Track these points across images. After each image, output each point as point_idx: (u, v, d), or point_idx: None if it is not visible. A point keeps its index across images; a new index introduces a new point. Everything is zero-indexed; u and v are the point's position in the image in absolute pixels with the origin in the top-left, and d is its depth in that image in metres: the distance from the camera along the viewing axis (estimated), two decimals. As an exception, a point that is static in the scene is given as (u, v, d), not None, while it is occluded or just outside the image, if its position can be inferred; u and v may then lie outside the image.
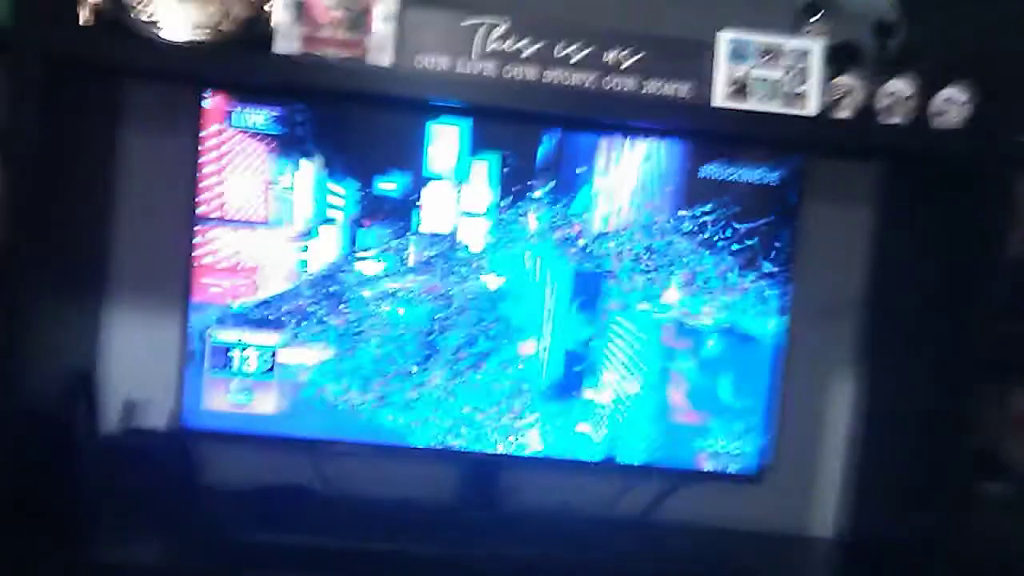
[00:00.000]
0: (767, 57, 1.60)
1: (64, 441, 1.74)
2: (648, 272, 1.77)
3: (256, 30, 1.58)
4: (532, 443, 1.80)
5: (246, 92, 1.70)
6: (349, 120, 1.72)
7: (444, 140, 1.72)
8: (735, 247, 1.77)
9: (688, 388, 1.80)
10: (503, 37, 1.59)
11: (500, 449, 1.80)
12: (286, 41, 1.56)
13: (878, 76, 1.65)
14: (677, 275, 1.77)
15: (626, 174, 1.74)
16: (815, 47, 1.61)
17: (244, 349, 1.74)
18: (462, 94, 1.60)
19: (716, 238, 1.77)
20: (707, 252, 1.77)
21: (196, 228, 1.72)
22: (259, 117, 1.70)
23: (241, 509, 1.80)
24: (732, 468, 1.82)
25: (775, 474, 1.87)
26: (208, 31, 1.57)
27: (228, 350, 1.74)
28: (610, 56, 1.60)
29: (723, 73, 1.60)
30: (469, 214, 1.74)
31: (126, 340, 1.92)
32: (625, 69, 1.60)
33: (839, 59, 1.68)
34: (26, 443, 1.60)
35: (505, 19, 1.59)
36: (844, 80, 1.63)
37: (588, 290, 1.77)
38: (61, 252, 1.70)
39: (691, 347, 1.79)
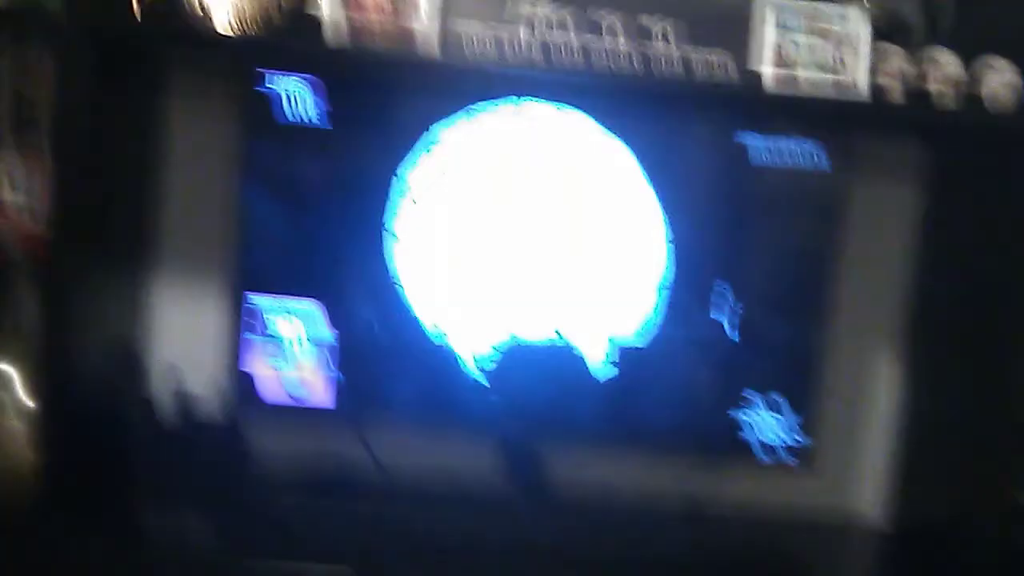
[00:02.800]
0: (812, 24, 1.57)
1: (114, 415, 1.78)
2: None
3: (304, 19, 1.60)
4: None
5: (293, 73, 1.71)
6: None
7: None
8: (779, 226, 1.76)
9: (734, 372, 1.78)
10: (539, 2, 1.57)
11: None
12: (333, 24, 1.57)
13: (927, 54, 1.63)
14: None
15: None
16: (861, 17, 1.58)
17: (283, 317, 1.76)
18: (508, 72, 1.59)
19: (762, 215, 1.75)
20: (753, 231, 1.76)
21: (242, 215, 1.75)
22: (306, 103, 1.72)
23: (291, 485, 1.83)
24: (778, 454, 1.80)
25: (821, 460, 1.84)
26: (257, 22, 1.59)
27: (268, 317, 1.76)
28: (648, 23, 1.57)
29: (768, 40, 1.57)
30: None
31: (175, 314, 1.94)
32: (665, 36, 1.58)
33: (886, 34, 1.65)
34: (76, 417, 1.63)
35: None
36: (894, 55, 1.60)
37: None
38: (110, 230, 1.74)
39: (738, 330, 1.77)
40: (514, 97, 1.72)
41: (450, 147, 1.73)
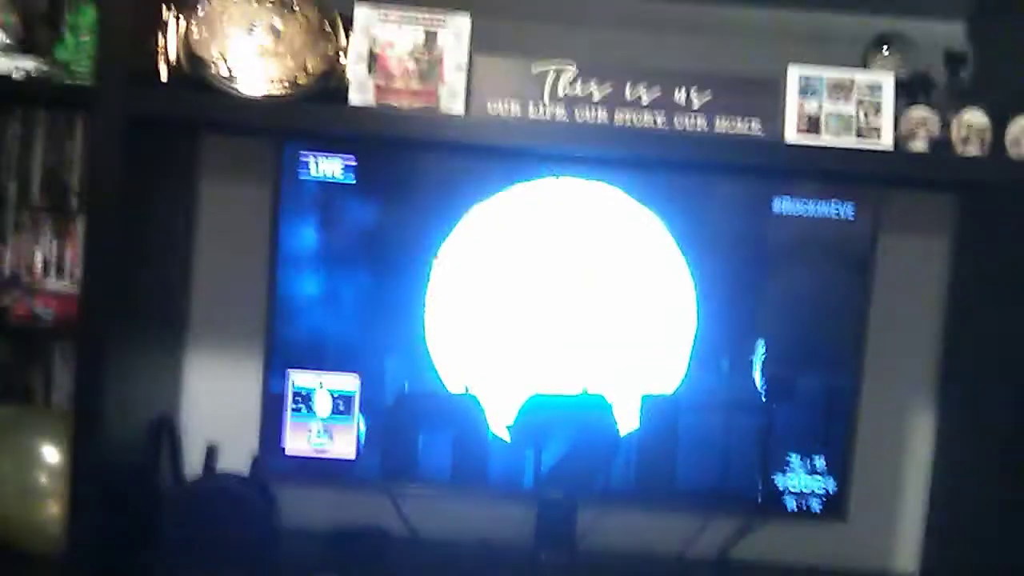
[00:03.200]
0: (838, 92, 1.60)
1: (148, 486, 1.78)
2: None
3: (331, 83, 1.61)
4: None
5: (323, 143, 1.73)
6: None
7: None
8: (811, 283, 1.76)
9: (768, 424, 1.78)
10: (573, 82, 1.60)
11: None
12: (360, 93, 1.59)
13: (951, 107, 1.64)
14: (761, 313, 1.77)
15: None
16: (887, 80, 1.61)
17: (321, 393, 1.76)
18: (536, 139, 1.61)
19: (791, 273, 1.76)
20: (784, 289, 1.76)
21: (275, 276, 1.75)
22: (335, 167, 1.73)
23: (321, 552, 1.83)
24: (812, 508, 1.79)
25: (855, 513, 1.83)
26: (285, 85, 1.61)
27: (307, 394, 1.76)
28: (680, 96, 1.61)
29: (794, 109, 1.60)
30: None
31: (208, 385, 1.96)
32: (695, 108, 1.61)
33: (910, 91, 1.68)
34: (113, 488, 1.64)
35: (572, 63, 1.60)
36: (918, 112, 1.62)
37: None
38: (144, 302, 1.75)
39: (770, 384, 1.77)
40: (550, 172, 1.73)
41: (484, 219, 1.74)
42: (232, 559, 1.76)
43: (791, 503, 1.79)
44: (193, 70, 1.61)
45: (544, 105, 1.60)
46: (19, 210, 1.76)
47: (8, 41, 1.68)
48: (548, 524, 1.83)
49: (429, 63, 1.58)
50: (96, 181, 1.57)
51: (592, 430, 1.78)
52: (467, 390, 1.77)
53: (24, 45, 1.70)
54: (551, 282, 1.76)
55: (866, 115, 1.60)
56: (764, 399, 1.77)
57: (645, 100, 1.61)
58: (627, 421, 1.78)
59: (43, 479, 1.68)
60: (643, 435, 1.78)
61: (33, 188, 1.77)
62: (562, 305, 1.76)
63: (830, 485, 1.79)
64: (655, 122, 1.61)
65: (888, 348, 1.91)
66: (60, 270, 1.76)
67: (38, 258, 1.76)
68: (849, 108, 1.60)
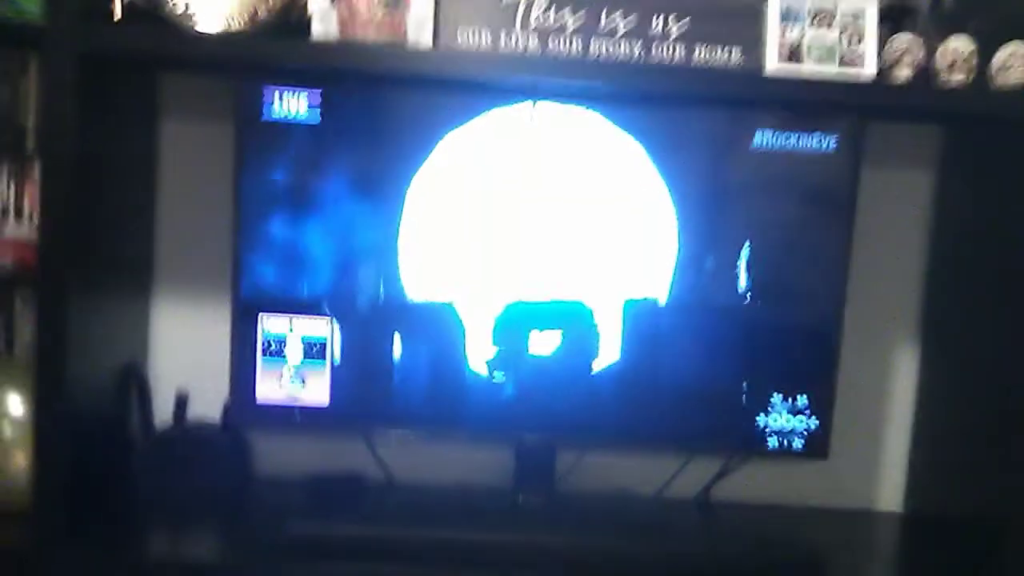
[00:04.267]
0: (820, 18, 1.54)
1: (117, 436, 1.75)
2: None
3: (293, 16, 1.55)
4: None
5: (285, 80, 1.66)
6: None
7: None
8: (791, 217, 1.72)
9: (749, 362, 1.75)
10: (545, 11, 1.54)
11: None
12: (323, 25, 1.53)
13: (936, 34, 1.59)
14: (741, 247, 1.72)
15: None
16: (869, 6, 1.56)
17: (292, 337, 1.72)
18: (507, 71, 1.55)
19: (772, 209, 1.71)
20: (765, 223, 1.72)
21: (240, 218, 1.70)
22: (300, 104, 1.67)
23: (296, 500, 1.80)
24: (795, 444, 1.77)
25: (838, 449, 1.80)
26: (244, 19, 1.54)
27: (278, 339, 1.72)
28: (657, 24, 1.55)
29: (775, 37, 1.55)
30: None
31: (176, 332, 1.91)
32: (673, 38, 1.55)
33: (893, 17, 1.62)
34: (80, 439, 1.60)
35: (546, -9, 1.55)
36: (901, 39, 1.57)
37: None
38: (106, 247, 1.69)
39: (752, 319, 1.74)
40: (526, 97, 1.67)
41: (458, 147, 1.68)
42: (205, 509, 1.73)
43: (773, 442, 1.76)
44: (148, 5, 1.54)
45: (516, 35, 1.54)
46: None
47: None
48: (527, 465, 1.80)
49: (395, -9, 1.52)
50: (50, 122, 1.51)
51: (574, 334, 1.74)
52: (443, 313, 1.72)
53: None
54: (528, 207, 1.70)
55: (849, 43, 1.55)
56: (744, 334, 1.74)
57: (621, 29, 1.55)
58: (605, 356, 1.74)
59: (8, 430, 1.64)
60: (623, 369, 1.74)
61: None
62: (539, 228, 1.71)
63: (812, 424, 1.76)
64: (631, 52, 1.55)
65: (870, 285, 1.89)
66: (19, 215, 1.70)
67: (-3, 210, 1.70)
68: (832, 35, 1.54)
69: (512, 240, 1.71)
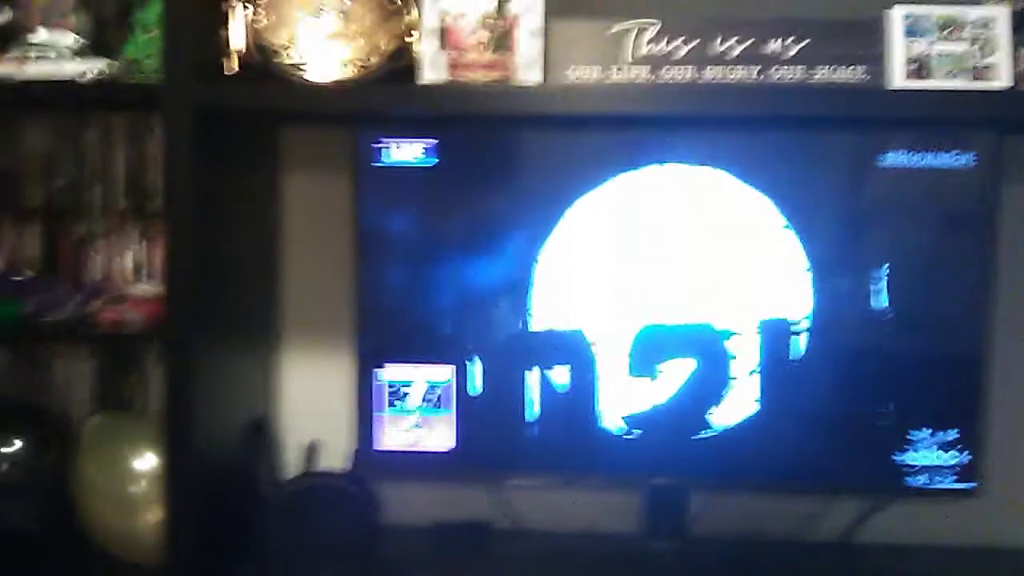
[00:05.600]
0: (948, 30, 1.47)
1: (246, 489, 1.75)
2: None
3: (403, 62, 1.55)
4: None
5: (399, 125, 1.66)
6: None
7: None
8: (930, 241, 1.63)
9: (892, 395, 1.66)
10: (655, 39, 1.51)
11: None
12: (433, 69, 1.52)
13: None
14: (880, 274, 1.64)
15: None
16: (1001, 14, 1.47)
17: (415, 385, 1.70)
18: (617, 104, 1.52)
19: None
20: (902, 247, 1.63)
21: (360, 267, 1.70)
22: (415, 150, 1.66)
23: (425, 548, 1.78)
24: (944, 480, 1.66)
25: (991, 484, 1.70)
26: (356, 67, 1.55)
27: (400, 387, 1.70)
28: (772, 46, 1.50)
29: (900, 52, 1.47)
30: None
31: (301, 383, 1.93)
32: (790, 58, 1.50)
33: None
34: (209, 493, 1.61)
35: (654, 19, 1.51)
36: (1036, 49, 1.48)
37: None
38: (231, 301, 1.71)
39: (894, 349, 1.65)
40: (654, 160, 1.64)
41: (585, 214, 1.66)
42: (335, 560, 1.72)
43: (920, 480, 1.66)
44: (262, 59, 1.56)
45: (627, 67, 1.51)
46: (105, 215, 1.75)
47: (80, 42, 1.66)
48: (657, 510, 1.74)
49: (502, 31, 1.50)
50: (171, 180, 1.54)
51: (708, 361, 1.67)
52: (572, 353, 1.68)
53: (96, 46, 1.68)
54: (658, 267, 1.66)
55: (981, 53, 1.47)
56: (887, 367, 1.65)
57: (735, 53, 1.50)
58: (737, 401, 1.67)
59: (140, 487, 1.66)
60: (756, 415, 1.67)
61: (116, 191, 1.76)
62: (671, 268, 1.66)
63: (963, 459, 1.65)
64: (747, 76, 1.50)
65: (1018, 309, 1.77)
66: (150, 273, 1.74)
67: (126, 262, 1.74)
68: (961, 47, 1.46)
69: (642, 278, 1.67)
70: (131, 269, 1.76)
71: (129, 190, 1.76)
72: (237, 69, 1.55)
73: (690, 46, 1.51)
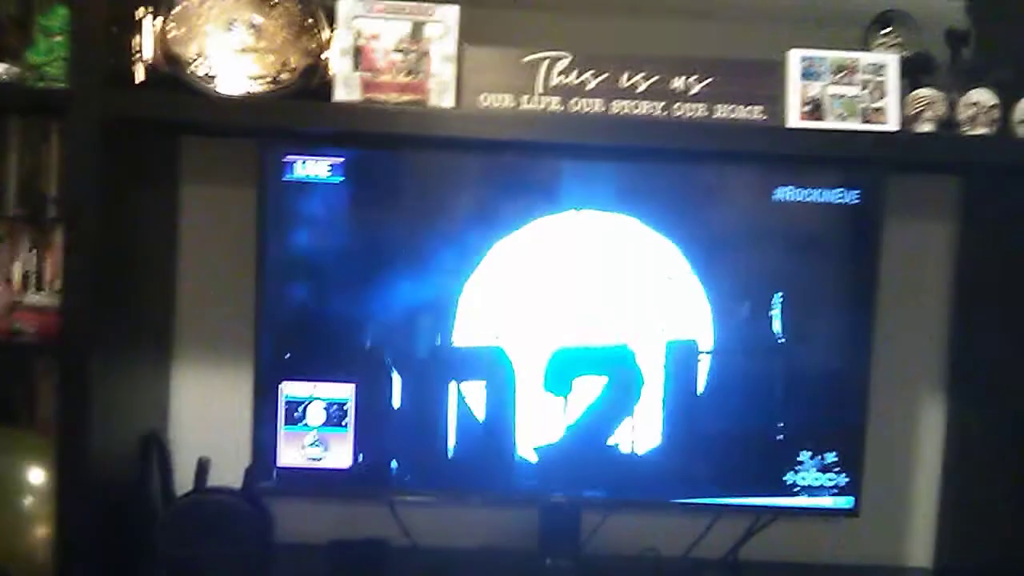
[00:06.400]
0: (841, 74, 1.55)
1: (139, 504, 1.72)
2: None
3: (315, 80, 1.55)
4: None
5: (308, 142, 1.66)
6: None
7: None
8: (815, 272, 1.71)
9: (776, 419, 1.73)
10: (566, 71, 1.55)
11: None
12: (346, 89, 1.53)
13: (955, 87, 1.60)
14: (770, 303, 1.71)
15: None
16: (891, 60, 1.56)
17: (315, 402, 1.70)
18: (528, 132, 1.55)
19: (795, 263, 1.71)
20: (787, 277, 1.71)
21: (262, 282, 1.69)
22: (321, 167, 1.67)
23: (318, 566, 1.77)
24: (825, 502, 1.74)
25: (867, 506, 1.77)
26: (267, 82, 1.55)
27: (300, 404, 1.70)
28: (677, 83, 1.56)
29: (796, 93, 1.55)
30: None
31: (197, 398, 1.90)
32: (694, 96, 1.56)
33: (913, 71, 1.62)
34: (102, 508, 1.58)
35: (566, 52, 1.55)
36: (924, 92, 1.57)
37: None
38: (128, 314, 1.68)
39: (777, 375, 1.72)
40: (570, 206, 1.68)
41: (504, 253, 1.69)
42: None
43: (801, 500, 1.73)
44: (171, 70, 1.55)
45: (538, 96, 1.55)
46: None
47: (-23, 46, 1.62)
48: (552, 528, 1.78)
49: (417, 55, 1.52)
50: (73, 188, 1.52)
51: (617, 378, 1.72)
52: (482, 370, 1.71)
53: (-5, 50, 1.64)
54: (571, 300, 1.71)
55: (871, 97, 1.55)
56: (775, 393, 1.72)
57: (642, 88, 1.55)
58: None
59: (29, 502, 1.62)
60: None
61: (8, 197, 1.70)
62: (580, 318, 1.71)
63: (841, 480, 1.73)
64: (653, 111, 1.56)
65: (896, 338, 1.87)
66: (39, 283, 1.70)
67: (16, 271, 1.69)
68: (853, 90, 1.55)
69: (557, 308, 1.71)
70: (22, 278, 1.71)
71: (23, 197, 1.71)
72: (145, 79, 1.54)
73: (599, 79, 1.55)
